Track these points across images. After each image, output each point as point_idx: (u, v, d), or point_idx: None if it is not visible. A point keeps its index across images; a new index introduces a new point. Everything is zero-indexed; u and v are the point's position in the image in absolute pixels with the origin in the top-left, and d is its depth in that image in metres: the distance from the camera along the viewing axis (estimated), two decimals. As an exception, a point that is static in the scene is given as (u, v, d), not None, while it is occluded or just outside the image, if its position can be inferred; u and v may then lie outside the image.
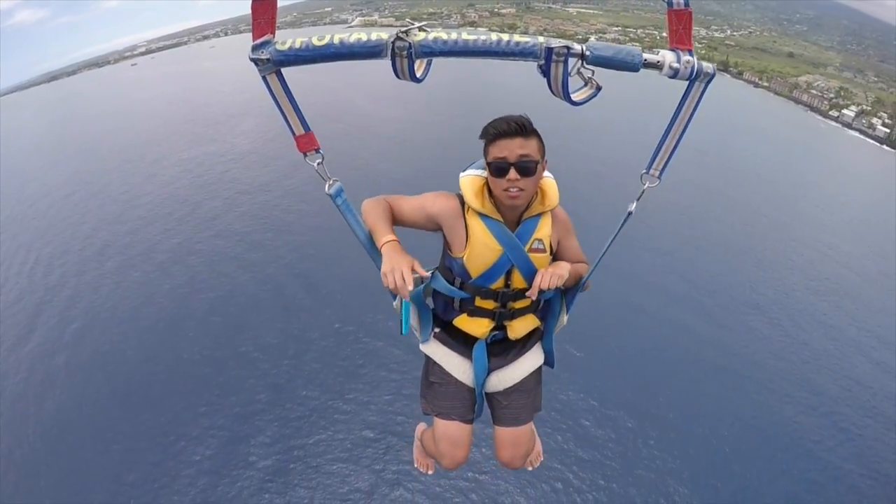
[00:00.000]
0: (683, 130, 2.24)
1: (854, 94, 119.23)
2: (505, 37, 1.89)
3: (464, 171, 2.77)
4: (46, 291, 31.69)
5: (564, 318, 3.06)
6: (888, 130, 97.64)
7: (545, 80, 1.96)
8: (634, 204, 2.48)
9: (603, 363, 24.12)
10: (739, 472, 20.46)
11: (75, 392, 23.71)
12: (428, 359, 3.10)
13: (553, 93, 2.01)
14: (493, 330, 2.90)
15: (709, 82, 2.05)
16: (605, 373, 23.64)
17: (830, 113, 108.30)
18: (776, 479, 20.25)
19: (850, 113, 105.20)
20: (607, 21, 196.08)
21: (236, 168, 49.11)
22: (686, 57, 1.96)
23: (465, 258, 2.68)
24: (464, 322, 2.89)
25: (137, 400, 22.92)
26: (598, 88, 2.02)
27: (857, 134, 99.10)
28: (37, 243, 38.49)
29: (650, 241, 32.83)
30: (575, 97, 2.01)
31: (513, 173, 2.45)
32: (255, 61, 1.95)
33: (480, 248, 2.64)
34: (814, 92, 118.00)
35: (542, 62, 1.90)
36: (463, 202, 2.71)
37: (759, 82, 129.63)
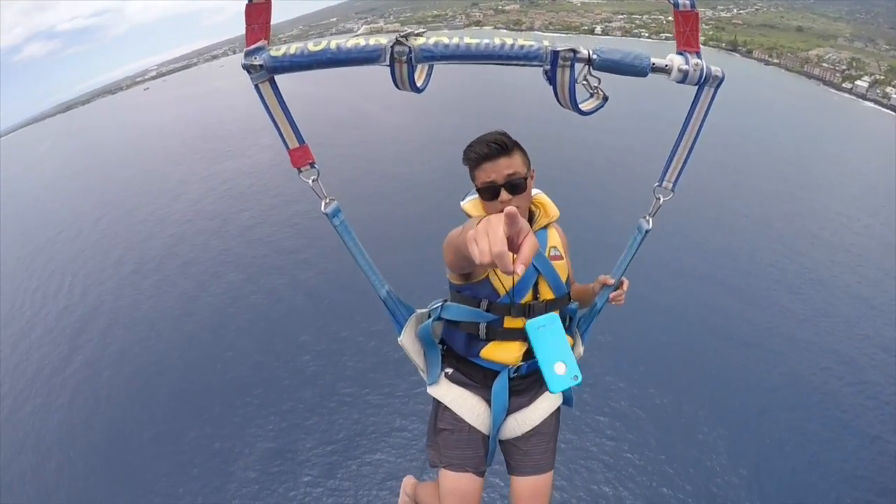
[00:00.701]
0: (696, 137, 2.22)
1: (867, 65, 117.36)
2: (509, 40, 1.81)
3: (462, 199, 2.74)
4: (85, 312, 32.45)
5: (581, 349, 2.92)
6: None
7: (551, 87, 1.89)
8: (651, 220, 2.48)
9: (629, 345, 24.37)
10: (769, 443, 20.78)
11: (120, 406, 24.47)
12: (437, 403, 2.87)
13: (560, 102, 1.93)
14: (524, 355, 2.62)
15: (718, 86, 2.04)
16: (632, 354, 24.03)
17: (843, 85, 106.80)
18: (804, 447, 20.52)
19: (863, 84, 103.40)
20: (612, 9, 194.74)
21: (260, 182, 49.86)
22: (695, 60, 1.94)
23: (491, 276, 2.55)
24: (493, 351, 2.62)
25: (182, 409, 23.65)
26: (606, 99, 1.96)
27: (872, 105, 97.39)
28: (70, 267, 39.43)
29: (666, 222, 32.85)
30: (583, 107, 1.94)
31: (504, 195, 2.43)
32: (248, 68, 1.88)
33: None
34: (825, 65, 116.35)
35: (548, 67, 1.82)
36: None
37: (770, 59, 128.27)
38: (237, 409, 23.14)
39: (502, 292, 2.51)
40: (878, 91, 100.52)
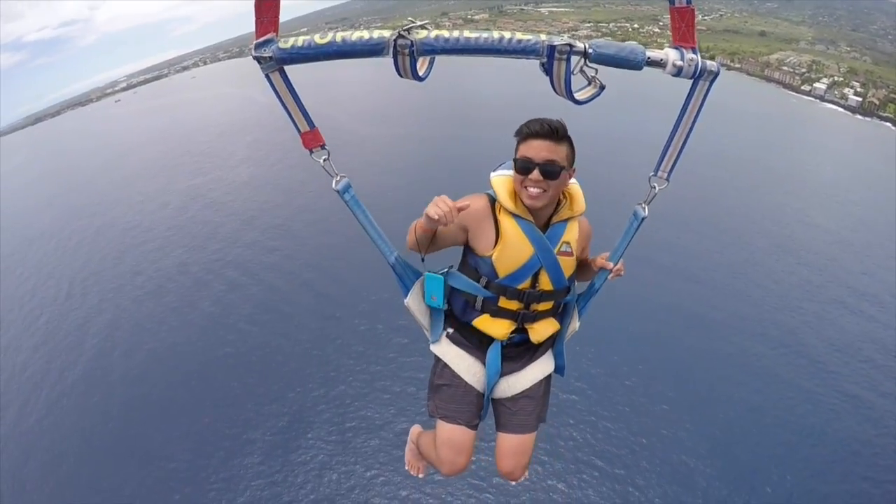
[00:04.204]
0: (690, 130, 2.28)
1: (826, 67, 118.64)
2: (507, 35, 1.90)
3: (494, 170, 2.78)
4: (87, 316, 32.77)
5: (577, 324, 3.09)
6: (860, 99, 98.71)
7: (548, 78, 1.98)
8: (647, 207, 2.57)
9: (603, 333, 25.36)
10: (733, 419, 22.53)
11: (132, 396, 25.30)
12: (437, 360, 3.05)
13: (556, 91, 2.01)
14: (513, 332, 2.87)
15: (713, 80, 2.08)
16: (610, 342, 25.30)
17: (802, 88, 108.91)
18: (768, 431, 22.12)
19: (821, 86, 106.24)
20: (579, 18, 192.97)
21: (240, 192, 50.17)
22: (690, 55, 1.98)
23: (494, 257, 2.66)
24: (484, 322, 2.85)
25: (199, 402, 24.46)
26: (602, 88, 2.01)
27: (830, 106, 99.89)
28: (66, 273, 39.40)
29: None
30: (578, 96, 2.00)
31: (535, 174, 2.47)
32: (258, 59, 1.97)
33: (512, 248, 2.64)
34: (785, 69, 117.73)
35: (545, 60, 1.92)
36: (492, 202, 2.72)
37: (732, 64, 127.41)
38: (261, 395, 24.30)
39: (501, 275, 2.70)
40: (836, 92, 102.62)
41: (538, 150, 2.47)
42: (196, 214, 45.77)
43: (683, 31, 1.98)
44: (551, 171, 2.49)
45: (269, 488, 20.30)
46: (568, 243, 2.72)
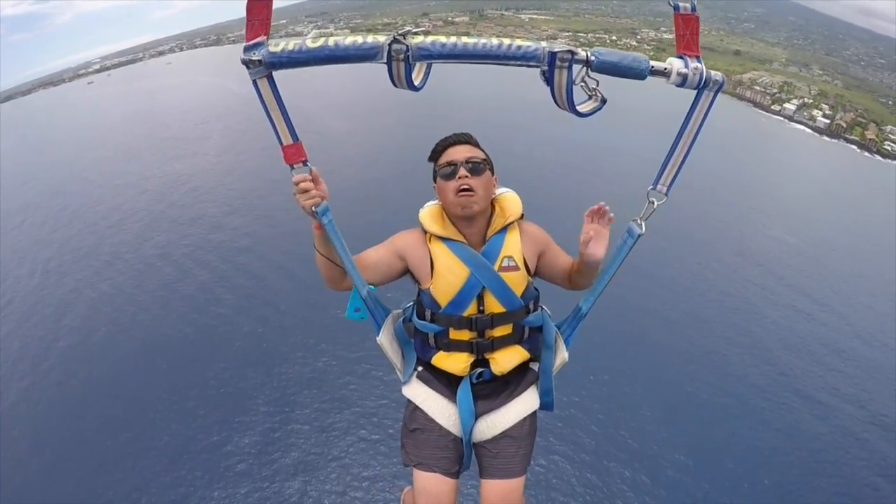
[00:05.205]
0: (692, 142, 2.17)
1: (798, 88, 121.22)
2: (506, 41, 1.83)
3: (422, 208, 2.68)
4: (63, 300, 32.20)
5: (565, 354, 2.78)
6: (828, 121, 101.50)
7: (548, 88, 1.90)
8: (643, 223, 2.36)
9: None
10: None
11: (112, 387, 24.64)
12: (409, 403, 2.80)
13: (557, 103, 1.93)
14: (473, 365, 2.64)
15: (718, 91, 2.00)
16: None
17: (773, 107, 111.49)
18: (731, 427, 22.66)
19: (791, 107, 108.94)
20: (558, 27, 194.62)
21: (229, 177, 49.84)
22: (694, 64, 1.91)
23: (431, 287, 2.53)
24: (441, 359, 2.66)
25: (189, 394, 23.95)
26: (604, 101, 1.95)
27: (799, 126, 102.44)
28: (40, 255, 38.67)
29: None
30: (580, 108, 1.93)
31: (462, 171, 2.40)
32: (247, 63, 1.87)
33: (445, 273, 2.50)
34: (757, 88, 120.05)
35: (545, 68, 1.84)
36: (426, 233, 2.61)
37: None
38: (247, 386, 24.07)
39: (442, 304, 2.52)
40: (805, 114, 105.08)
41: (458, 152, 2.46)
42: (176, 200, 45.27)
43: (688, 40, 1.92)
44: (476, 164, 2.44)
45: (242, 470, 20.55)
46: (510, 257, 2.52)
